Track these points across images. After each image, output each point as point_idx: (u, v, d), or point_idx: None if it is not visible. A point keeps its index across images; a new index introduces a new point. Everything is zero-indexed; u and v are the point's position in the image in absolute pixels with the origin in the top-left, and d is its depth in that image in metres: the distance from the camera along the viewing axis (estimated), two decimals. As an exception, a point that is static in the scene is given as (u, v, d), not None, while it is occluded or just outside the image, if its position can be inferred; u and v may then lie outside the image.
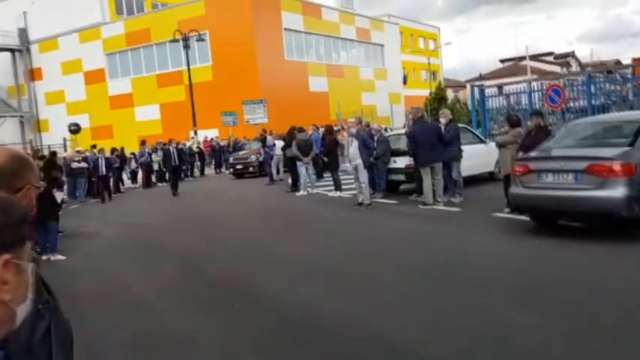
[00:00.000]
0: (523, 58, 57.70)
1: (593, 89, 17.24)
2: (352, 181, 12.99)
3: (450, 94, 50.35)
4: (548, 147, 8.20)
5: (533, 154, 8.22)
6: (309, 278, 6.88)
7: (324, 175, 17.44)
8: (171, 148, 19.82)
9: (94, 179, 19.04)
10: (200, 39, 31.26)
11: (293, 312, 5.62)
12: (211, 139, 29.88)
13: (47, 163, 13.16)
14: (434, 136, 11.43)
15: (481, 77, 60.38)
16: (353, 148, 12.31)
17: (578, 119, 11.06)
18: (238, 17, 36.48)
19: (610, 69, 21.53)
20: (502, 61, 73.80)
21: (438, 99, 39.14)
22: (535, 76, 29.82)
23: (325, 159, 15.77)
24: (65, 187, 16.49)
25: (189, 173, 25.05)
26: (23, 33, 45.51)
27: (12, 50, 45.71)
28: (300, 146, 15.46)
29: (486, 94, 19.88)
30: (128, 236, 11.51)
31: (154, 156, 23.25)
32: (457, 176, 11.74)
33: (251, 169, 22.40)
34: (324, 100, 40.76)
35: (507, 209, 9.32)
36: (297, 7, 41.04)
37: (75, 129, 29.64)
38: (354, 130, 12.47)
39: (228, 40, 36.50)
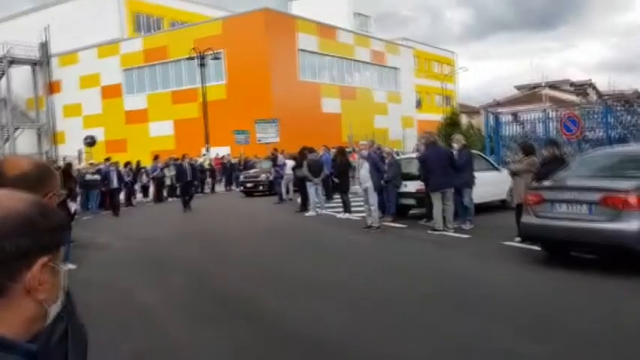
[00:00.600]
0: (539, 85, 57.60)
1: (610, 120, 17.05)
2: (362, 203, 12.88)
3: (464, 119, 50.24)
4: (562, 177, 8.06)
5: (547, 183, 8.07)
6: (315, 298, 6.81)
7: (334, 196, 17.35)
8: (184, 164, 19.64)
9: (104, 189, 19.08)
10: (216, 57, 31.56)
11: (298, 331, 5.58)
12: (222, 157, 29.97)
13: (62, 174, 13.20)
14: (446, 161, 11.32)
15: (496, 104, 60.35)
16: (364, 171, 12.23)
17: (594, 150, 10.90)
18: (254, 37, 36.85)
19: (629, 100, 21.31)
20: (518, 88, 73.80)
21: (451, 124, 38.97)
22: (551, 105, 29.69)
23: (336, 180, 15.70)
24: (78, 198, 16.57)
25: (199, 189, 25.07)
26: (44, 46, 46.25)
27: (33, 63, 46.48)
28: (310, 167, 15.42)
29: (501, 121, 19.75)
30: (137, 249, 11.53)
31: (166, 171, 23.32)
32: (468, 203, 11.59)
33: (261, 187, 22.41)
34: (336, 122, 40.85)
35: (518, 238, 9.15)
36: (312, 28, 41.40)
37: (90, 142, 29.95)
38: (365, 153, 12.39)
39: (243, 59, 36.84)
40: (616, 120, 17.45)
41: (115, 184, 18.94)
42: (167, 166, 23.62)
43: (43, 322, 1.01)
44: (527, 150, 10.16)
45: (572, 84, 68.14)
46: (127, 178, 21.05)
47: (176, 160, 23.76)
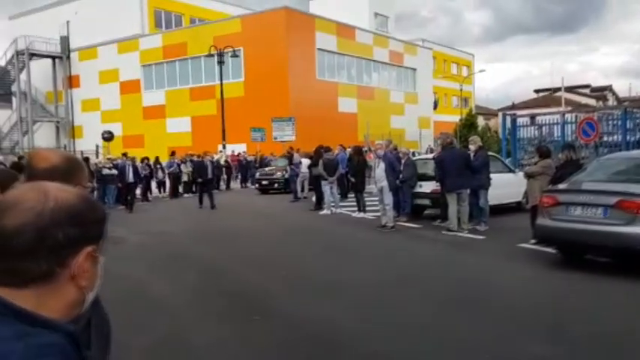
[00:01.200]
0: (558, 89, 57.16)
1: (629, 124, 16.92)
2: (377, 202, 12.93)
3: (480, 121, 50.01)
4: (578, 180, 8.06)
5: (562, 186, 8.08)
6: (328, 296, 6.86)
7: (349, 195, 17.40)
8: (206, 161, 19.53)
9: (120, 185, 19.20)
10: (234, 55, 31.72)
11: (310, 328, 5.63)
12: (239, 154, 30.15)
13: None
14: (461, 162, 11.34)
15: (514, 106, 59.95)
16: (379, 170, 12.28)
17: (611, 154, 10.85)
18: (273, 35, 36.96)
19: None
20: (537, 91, 73.27)
21: (467, 125, 38.87)
22: (569, 108, 29.45)
23: (352, 179, 15.76)
24: (95, 192, 16.77)
25: (216, 186, 25.25)
26: (65, 41, 46.69)
27: (53, 57, 46.94)
28: (325, 165, 15.50)
29: (518, 124, 19.68)
30: (153, 244, 11.65)
31: (182, 167, 23.55)
32: (484, 204, 11.61)
33: (276, 185, 22.53)
34: (352, 121, 40.84)
35: (533, 240, 9.15)
36: (331, 28, 41.43)
37: (108, 137, 30.23)
38: (381, 153, 12.44)
39: (261, 57, 36.97)
40: (636, 125, 17.32)
41: (130, 178, 18.91)
42: (184, 162, 23.88)
43: (81, 307, 1.08)
44: (543, 153, 10.15)
45: (591, 88, 67.52)
46: (143, 173, 21.20)
47: (192, 156, 24.03)
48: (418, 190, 13.31)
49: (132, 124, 43.48)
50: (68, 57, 47.20)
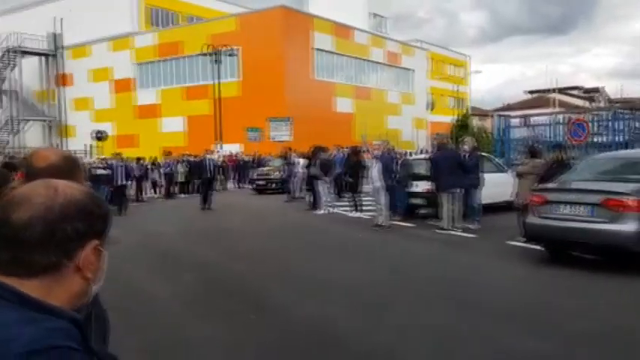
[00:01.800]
0: (550, 90, 57.54)
1: (619, 126, 17.23)
2: (372, 202, 13.15)
3: (475, 122, 50.31)
4: (565, 179, 8.33)
5: (550, 185, 8.34)
6: (323, 295, 7.01)
7: (344, 195, 17.62)
8: (205, 161, 19.18)
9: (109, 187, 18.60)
10: (231, 54, 31.67)
11: (305, 326, 5.76)
12: (236, 155, 30.21)
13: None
14: (454, 162, 11.60)
15: (507, 107, 60.30)
16: (375, 171, 12.51)
17: (599, 154, 11.15)
18: (269, 35, 37.01)
19: (638, 106, 21.49)
20: (530, 92, 73.64)
21: (462, 126, 39.17)
22: (562, 109, 29.78)
23: (349, 179, 15.93)
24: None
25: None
26: (55, 38, 45.90)
27: (44, 55, 46.08)
28: (322, 165, 15.68)
29: (511, 124, 19.98)
30: (148, 244, 11.69)
31: (179, 167, 23.64)
32: (475, 203, 11.87)
33: (273, 185, 22.65)
34: (348, 122, 41.02)
35: (523, 238, 9.41)
36: (328, 27, 41.59)
37: (100, 136, 29.96)
38: (378, 153, 12.67)
39: (258, 56, 36.96)
40: (625, 126, 17.65)
41: (121, 180, 17.99)
42: (180, 162, 23.97)
43: (85, 298, 1.13)
44: (533, 153, 10.44)
45: (582, 89, 67.96)
46: (137, 174, 20.93)
47: (189, 156, 24.18)
48: (413, 189, 13.55)
49: (125, 124, 43.11)
50: (60, 55, 46.48)
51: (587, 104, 57.18)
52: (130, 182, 19.62)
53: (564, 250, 8.24)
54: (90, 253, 1.08)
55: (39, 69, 46.95)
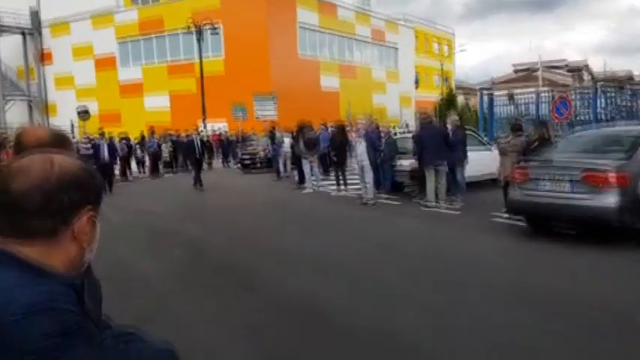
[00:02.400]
0: (536, 66, 57.67)
1: (603, 102, 17.38)
2: (358, 180, 13.24)
3: (460, 99, 50.43)
4: (547, 155, 8.45)
5: (532, 161, 8.46)
6: (310, 271, 7.12)
7: (331, 172, 17.65)
8: (195, 138, 18.54)
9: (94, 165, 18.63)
10: (214, 31, 31.30)
11: (291, 300, 5.87)
12: (220, 133, 30.01)
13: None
14: (440, 138, 11.68)
15: (493, 84, 60.39)
16: (361, 149, 12.56)
17: (581, 130, 11.29)
18: (253, 11, 36.57)
19: (622, 83, 21.63)
20: (516, 71, 73.68)
21: (447, 103, 39.27)
22: (546, 87, 29.93)
23: (334, 157, 15.95)
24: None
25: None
26: (35, 15, 44.95)
27: (23, 32, 45.14)
28: (306, 143, 15.67)
29: (496, 102, 20.08)
30: (135, 222, 11.77)
31: (163, 146, 23.54)
32: (460, 180, 12.00)
33: (259, 164, 22.66)
34: (334, 99, 40.91)
35: (506, 214, 9.56)
36: (313, 4, 41.22)
37: (84, 114, 29.54)
38: (362, 131, 12.72)
39: (241, 33, 36.54)
40: (608, 101, 17.81)
41: (105, 158, 17.71)
42: (164, 141, 23.86)
43: (80, 265, 1.20)
44: (516, 129, 10.55)
45: (567, 66, 68.19)
46: (121, 153, 20.83)
47: (172, 135, 24.07)
48: (398, 167, 13.65)
49: (108, 101, 42.56)
50: (39, 32, 45.61)
51: (573, 81, 57.45)
52: (115, 160, 19.41)
53: (546, 224, 8.41)
54: (84, 222, 1.15)
55: (19, 46, 45.94)
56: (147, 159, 23.90)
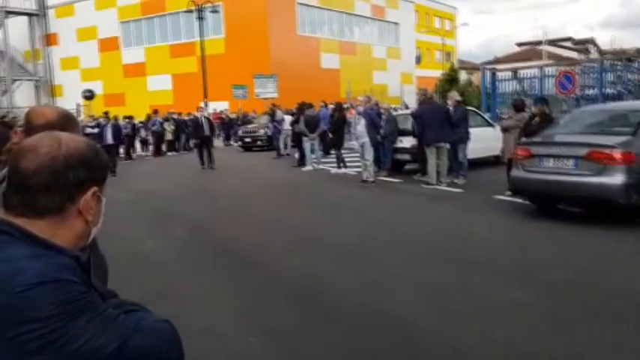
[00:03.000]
0: (541, 42, 57.09)
1: (611, 77, 17.05)
2: (358, 158, 13.10)
3: (463, 76, 49.97)
4: (551, 132, 8.27)
5: (536, 138, 8.28)
6: (309, 248, 7.08)
7: (331, 151, 17.54)
8: (201, 118, 17.77)
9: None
10: (214, 10, 31.18)
11: (291, 277, 5.86)
12: (221, 112, 30.00)
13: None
14: (441, 116, 11.49)
15: (496, 60, 59.85)
16: (360, 127, 12.40)
17: (586, 106, 11.08)
18: (253, -11, 36.31)
19: (630, 57, 21.20)
20: (519, 44, 73.04)
21: (449, 80, 38.82)
22: (551, 61, 29.54)
23: (332, 136, 15.85)
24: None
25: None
26: None
27: (29, 14, 45.77)
28: (307, 122, 15.56)
29: (499, 78, 19.79)
30: (140, 202, 11.77)
31: (166, 125, 23.51)
32: (462, 158, 11.82)
33: (259, 142, 22.60)
34: (334, 77, 40.64)
35: (508, 192, 9.41)
36: (312, -19, 40.75)
37: (89, 95, 29.79)
38: (361, 109, 12.54)
39: (241, 12, 36.41)
40: (616, 77, 17.48)
41: (109, 140, 17.46)
42: (167, 120, 23.85)
43: (86, 240, 1.27)
44: (518, 106, 10.34)
45: (573, 41, 67.50)
46: (124, 132, 20.80)
47: (174, 114, 24.01)
48: (398, 145, 13.48)
49: (112, 83, 42.96)
50: (45, 14, 46.11)
51: (578, 56, 56.86)
52: (120, 143, 19.42)
53: (549, 203, 8.26)
54: (90, 198, 1.21)
55: (25, 29, 46.37)
56: (150, 138, 23.87)
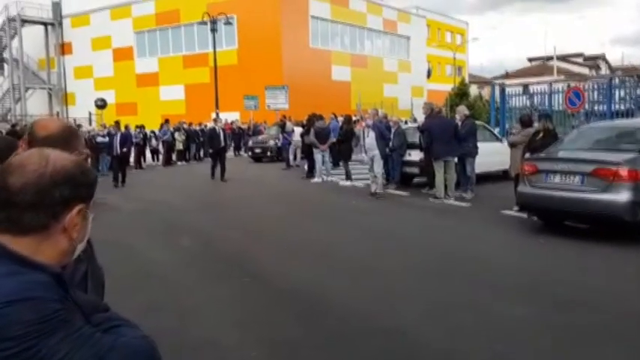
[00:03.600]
0: (552, 57, 57.03)
1: (622, 94, 16.99)
2: (366, 171, 13.17)
3: (474, 90, 49.97)
4: (558, 148, 8.31)
5: (542, 154, 8.33)
6: (315, 261, 7.12)
7: (340, 163, 17.61)
8: (217, 128, 17.74)
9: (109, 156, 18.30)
10: (228, 22, 31.49)
11: (297, 290, 5.88)
12: (232, 122, 30.22)
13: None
14: (450, 130, 11.56)
15: (507, 75, 59.88)
16: (370, 139, 12.47)
17: (592, 123, 11.10)
18: (266, 2, 36.67)
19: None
20: (531, 59, 73.01)
21: (459, 95, 38.83)
22: (561, 77, 29.53)
23: (340, 148, 15.91)
24: (89, 160, 16.61)
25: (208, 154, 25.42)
26: (57, 7, 46.04)
27: (45, 24, 46.32)
28: (317, 134, 15.67)
29: (509, 93, 19.82)
30: (146, 211, 11.85)
31: (176, 135, 23.69)
32: (470, 172, 11.85)
33: (269, 153, 22.73)
34: (345, 90, 40.80)
35: (516, 207, 9.43)
36: (325, -5, 41.03)
37: (101, 104, 30.12)
38: (370, 122, 12.63)
39: (254, 24, 36.72)
40: (627, 94, 17.40)
41: (118, 149, 16.91)
42: (177, 130, 24.04)
43: (71, 256, 1.28)
44: (525, 122, 10.39)
45: (584, 57, 67.40)
46: (135, 141, 20.86)
47: (184, 123, 24.25)
48: (407, 158, 13.54)
49: (125, 92, 43.29)
50: (60, 23, 46.66)
51: (588, 72, 56.77)
52: (130, 152, 19.27)
53: (556, 219, 8.28)
54: (75, 215, 1.22)
55: (40, 37, 46.88)
56: (161, 148, 24.06)
